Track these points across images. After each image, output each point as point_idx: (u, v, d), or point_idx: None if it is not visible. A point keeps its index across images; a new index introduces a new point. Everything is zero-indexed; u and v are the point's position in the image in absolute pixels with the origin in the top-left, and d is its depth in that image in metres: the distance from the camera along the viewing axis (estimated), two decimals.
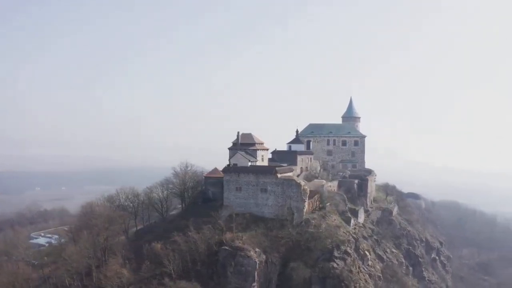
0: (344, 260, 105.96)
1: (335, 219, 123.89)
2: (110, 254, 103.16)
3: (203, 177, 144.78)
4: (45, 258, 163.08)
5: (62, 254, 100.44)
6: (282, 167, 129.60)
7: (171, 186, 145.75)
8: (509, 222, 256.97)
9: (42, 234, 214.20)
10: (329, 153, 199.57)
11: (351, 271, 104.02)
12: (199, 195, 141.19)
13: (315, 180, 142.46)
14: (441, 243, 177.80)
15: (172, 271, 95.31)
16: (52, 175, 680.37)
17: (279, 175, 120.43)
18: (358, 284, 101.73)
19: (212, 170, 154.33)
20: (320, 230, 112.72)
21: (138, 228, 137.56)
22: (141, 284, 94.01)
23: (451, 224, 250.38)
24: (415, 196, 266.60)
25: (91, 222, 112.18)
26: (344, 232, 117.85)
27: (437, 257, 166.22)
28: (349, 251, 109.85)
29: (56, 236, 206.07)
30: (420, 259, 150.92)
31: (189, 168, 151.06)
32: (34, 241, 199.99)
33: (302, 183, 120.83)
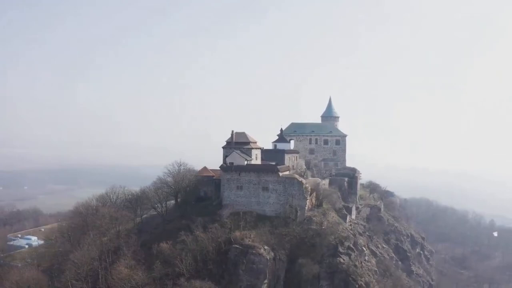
0: (349, 255, 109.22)
1: (333, 216, 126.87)
2: (118, 255, 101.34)
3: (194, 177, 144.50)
4: (28, 260, 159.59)
5: (70, 257, 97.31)
6: (281, 166, 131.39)
7: (165, 185, 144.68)
8: (480, 218, 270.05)
9: (20, 236, 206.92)
10: (312, 152, 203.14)
11: (356, 266, 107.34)
12: (191, 195, 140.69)
13: (310, 178, 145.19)
14: (423, 238, 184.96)
15: (185, 270, 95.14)
16: (13, 174, 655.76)
17: (280, 174, 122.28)
18: (363, 279, 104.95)
19: (202, 169, 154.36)
20: (323, 227, 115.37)
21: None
22: (155, 285, 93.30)
23: (425, 221, 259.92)
24: (389, 193, 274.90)
25: (95, 223, 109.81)
26: (343, 229, 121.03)
27: (421, 252, 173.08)
28: (352, 246, 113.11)
29: (35, 238, 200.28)
30: (408, 253, 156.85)
31: (182, 167, 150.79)
32: (12, 243, 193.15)
33: (304, 181, 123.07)
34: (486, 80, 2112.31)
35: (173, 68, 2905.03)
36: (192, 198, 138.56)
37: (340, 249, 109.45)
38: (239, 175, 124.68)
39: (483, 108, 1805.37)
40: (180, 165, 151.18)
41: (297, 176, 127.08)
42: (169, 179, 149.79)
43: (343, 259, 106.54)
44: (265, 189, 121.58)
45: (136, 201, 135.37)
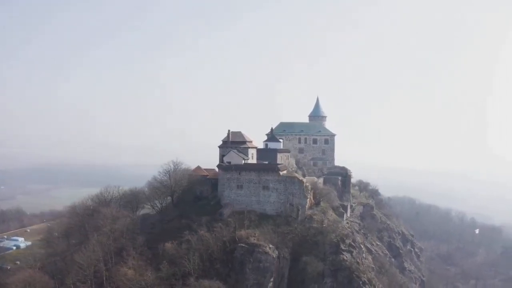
0: (350, 252, 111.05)
1: (331, 215, 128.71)
2: (122, 256, 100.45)
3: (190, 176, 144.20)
4: (17, 262, 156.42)
5: (75, 258, 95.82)
6: (281, 165, 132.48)
7: (162, 185, 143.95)
8: (463, 216, 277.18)
9: (6, 237, 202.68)
10: (301, 151, 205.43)
11: (358, 263, 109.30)
12: (188, 194, 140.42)
13: (307, 177, 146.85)
14: (412, 235, 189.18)
15: (192, 270, 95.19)
16: None
17: (281, 173, 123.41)
18: (366, 275, 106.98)
19: (195, 168, 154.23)
20: (324, 225, 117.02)
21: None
22: (164, 285, 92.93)
23: (409, 218, 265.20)
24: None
25: (98, 223, 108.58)
26: (343, 227, 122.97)
27: (412, 249, 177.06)
28: (353, 244, 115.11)
29: (22, 239, 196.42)
30: (400, 251, 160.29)
31: (178, 167, 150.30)
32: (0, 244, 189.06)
33: (304, 180, 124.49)
34: (471, 80, 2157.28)
35: (153, 67, 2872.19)
36: (190, 197, 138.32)
37: (342, 246, 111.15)
38: (239, 174, 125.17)
39: (465, 109, 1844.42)
40: (177, 164, 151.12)
41: (297, 175, 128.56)
42: (164, 178, 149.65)
43: (346, 257, 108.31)
44: (266, 188, 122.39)
45: (135, 201, 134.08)
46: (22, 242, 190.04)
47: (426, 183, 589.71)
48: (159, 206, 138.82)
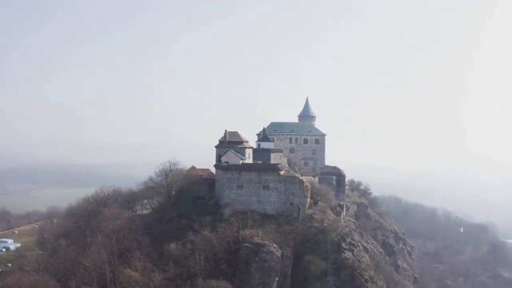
0: (352, 251, 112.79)
1: (330, 214, 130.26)
2: (127, 257, 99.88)
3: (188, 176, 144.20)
4: (9, 265, 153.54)
5: (80, 261, 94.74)
6: (280, 165, 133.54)
7: (160, 186, 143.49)
8: (449, 214, 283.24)
9: None
10: (292, 150, 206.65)
11: (359, 261, 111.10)
12: (187, 194, 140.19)
13: (304, 177, 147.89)
14: (403, 234, 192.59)
15: (198, 271, 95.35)
16: None
17: (281, 173, 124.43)
18: (367, 273, 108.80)
19: (190, 168, 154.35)
20: (324, 224, 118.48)
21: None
22: (172, 287, 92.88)
23: (397, 217, 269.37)
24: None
25: (101, 224, 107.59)
26: (342, 226, 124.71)
27: (404, 247, 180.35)
28: (354, 242, 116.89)
29: (11, 240, 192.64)
30: (394, 249, 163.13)
31: (175, 167, 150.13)
32: None
33: (304, 179, 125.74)
34: (448, 81, 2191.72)
35: (141, 66, 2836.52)
36: (187, 197, 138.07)
37: (343, 245, 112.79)
38: (240, 174, 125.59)
39: (444, 110, 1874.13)
40: (174, 164, 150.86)
41: (297, 175, 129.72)
42: (159, 178, 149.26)
43: (348, 255, 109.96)
44: (266, 188, 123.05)
45: (132, 201, 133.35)
46: (12, 244, 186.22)
47: (408, 182, 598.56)
48: (156, 206, 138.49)
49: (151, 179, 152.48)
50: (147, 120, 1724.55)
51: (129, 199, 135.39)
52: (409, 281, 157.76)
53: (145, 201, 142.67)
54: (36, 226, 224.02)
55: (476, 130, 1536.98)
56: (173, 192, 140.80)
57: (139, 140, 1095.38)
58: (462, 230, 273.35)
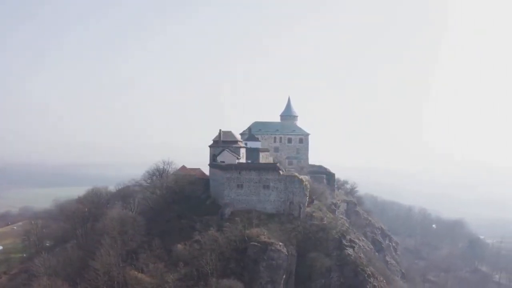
0: (353, 248, 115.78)
1: (327, 212, 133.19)
2: (136, 258, 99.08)
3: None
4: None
5: (90, 264, 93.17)
6: (278, 164, 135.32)
7: (152, 185, 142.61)
8: (424, 212, 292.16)
9: None
10: (276, 150, 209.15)
11: (360, 257, 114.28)
12: (178, 194, 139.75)
13: (302, 176, 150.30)
14: (388, 230, 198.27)
15: (209, 271, 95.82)
16: None
17: (281, 172, 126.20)
18: (368, 269, 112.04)
19: (180, 168, 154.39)
20: (324, 222, 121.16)
21: None
22: (185, 287, 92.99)
23: (375, 215, 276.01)
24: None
25: (106, 226, 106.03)
26: (341, 223, 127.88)
27: (390, 243, 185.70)
28: (354, 239, 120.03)
29: None
30: (382, 245, 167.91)
31: (169, 167, 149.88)
32: None
33: (304, 179, 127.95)
34: (409, 82, 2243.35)
35: (110, 66, 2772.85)
36: (182, 197, 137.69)
37: (344, 242, 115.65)
38: (239, 173, 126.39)
39: (405, 110, 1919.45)
40: (168, 164, 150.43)
41: (297, 174, 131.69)
42: (154, 177, 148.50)
43: (350, 252, 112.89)
44: (266, 187, 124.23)
45: (131, 201, 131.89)
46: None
47: (378, 182, 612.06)
48: (150, 206, 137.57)
49: (144, 179, 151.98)
50: (126, 120, 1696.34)
51: (126, 199, 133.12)
52: (398, 276, 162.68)
53: (137, 201, 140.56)
54: (15, 227, 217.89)
55: (439, 130, 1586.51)
56: (168, 192, 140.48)
57: (114, 140, 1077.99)
58: (435, 227, 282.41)
